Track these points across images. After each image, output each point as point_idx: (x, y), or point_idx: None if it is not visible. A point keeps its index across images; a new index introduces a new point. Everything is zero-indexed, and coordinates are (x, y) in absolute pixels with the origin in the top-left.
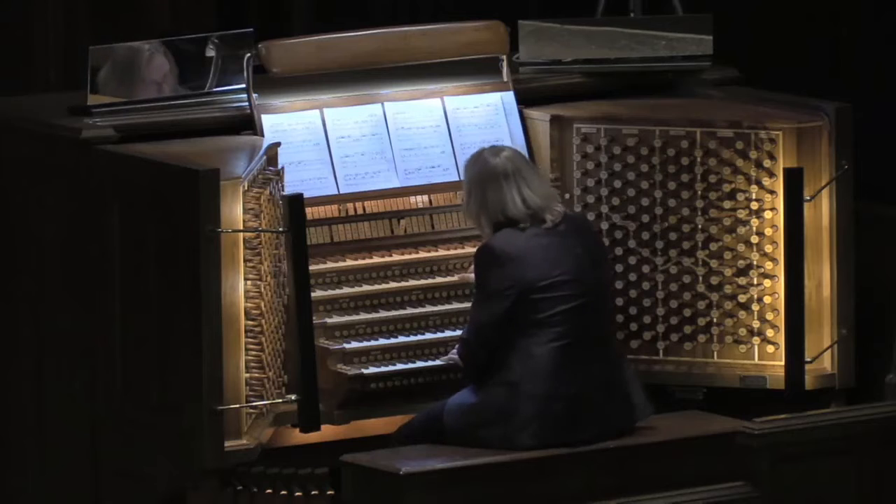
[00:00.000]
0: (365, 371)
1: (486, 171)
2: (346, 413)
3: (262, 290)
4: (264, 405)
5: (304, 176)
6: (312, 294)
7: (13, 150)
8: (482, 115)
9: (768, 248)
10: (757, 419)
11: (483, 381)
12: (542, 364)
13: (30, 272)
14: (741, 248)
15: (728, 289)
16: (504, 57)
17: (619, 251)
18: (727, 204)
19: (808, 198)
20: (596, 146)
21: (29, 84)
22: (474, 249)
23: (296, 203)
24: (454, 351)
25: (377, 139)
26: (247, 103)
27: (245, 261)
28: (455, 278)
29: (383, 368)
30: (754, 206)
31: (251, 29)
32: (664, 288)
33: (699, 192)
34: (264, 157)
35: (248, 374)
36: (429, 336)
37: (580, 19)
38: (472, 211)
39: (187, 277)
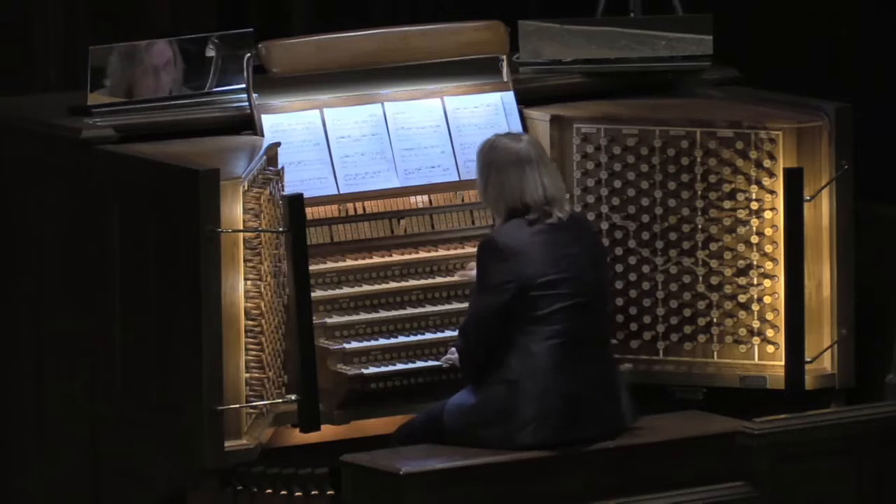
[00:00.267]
0: (365, 371)
1: (509, 155)
2: (346, 413)
3: (262, 290)
4: (264, 405)
5: (304, 176)
6: (312, 294)
7: (13, 150)
8: (482, 115)
9: (768, 248)
10: (757, 419)
11: (482, 380)
12: (541, 362)
13: (30, 272)
14: (741, 248)
15: (728, 289)
16: (504, 57)
17: (619, 251)
18: (727, 204)
19: (808, 198)
20: (596, 146)
21: (29, 84)
22: (474, 249)
23: (296, 203)
24: (451, 350)
25: (377, 139)
26: (247, 103)
27: (245, 261)
28: (455, 278)
29: (383, 368)
30: (754, 206)
31: (251, 29)
32: (664, 288)
33: (699, 192)
34: (264, 157)
35: (248, 374)
36: (429, 336)
37: (580, 19)
38: (491, 196)
39: (187, 277)
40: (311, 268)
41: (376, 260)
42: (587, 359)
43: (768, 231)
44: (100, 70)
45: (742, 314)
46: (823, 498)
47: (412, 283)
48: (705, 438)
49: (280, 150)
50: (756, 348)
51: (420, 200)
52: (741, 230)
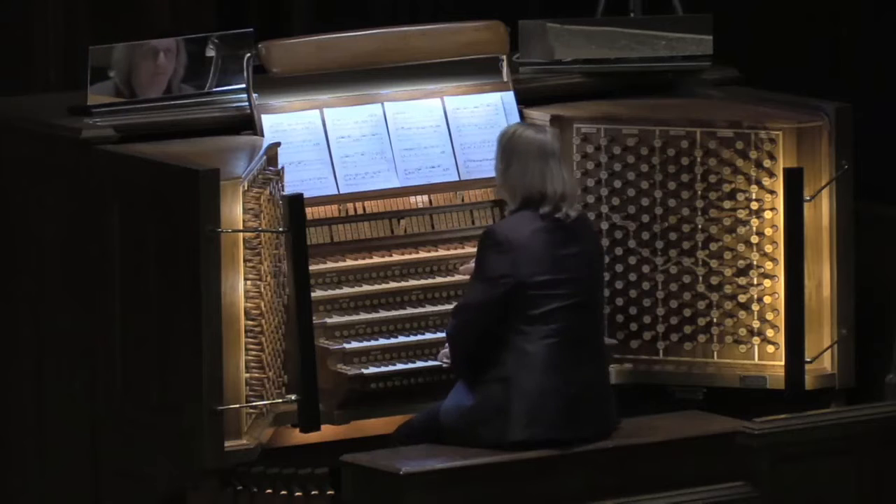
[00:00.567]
0: (365, 371)
1: (535, 145)
2: (346, 413)
3: (262, 290)
4: (264, 405)
5: (304, 176)
6: (312, 294)
7: (13, 150)
8: (482, 115)
9: (768, 248)
10: (757, 419)
11: (477, 379)
12: (536, 361)
13: (30, 272)
14: (741, 248)
15: (728, 289)
16: (504, 57)
17: (619, 251)
18: (727, 204)
19: (808, 198)
20: (596, 146)
21: (29, 84)
22: (474, 249)
23: (296, 203)
24: (445, 350)
25: (377, 139)
26: (247, 103)
27: (245, 261)
28: (455, 278)
29: (383, 368)
30: (754, 206)
31: (251, 29)
32: (664, 288)
33: (699, 192)
34: (264, 157)
35: (248, 374)
36: (429, 336)
37: (580, 19)
38: (510, 183)
39: (187, 277)
40: (311, 268)
41: (376, 260)
42: (582, 359)
43: (768, 231)
44: (100, 70)
45: (742, 314)
46: (823, 498)
47: (412, 283)
48: (705, 438)
49: (280, 150)
50: (756, 348)
51: (420, 200)
52: (741, 230)
